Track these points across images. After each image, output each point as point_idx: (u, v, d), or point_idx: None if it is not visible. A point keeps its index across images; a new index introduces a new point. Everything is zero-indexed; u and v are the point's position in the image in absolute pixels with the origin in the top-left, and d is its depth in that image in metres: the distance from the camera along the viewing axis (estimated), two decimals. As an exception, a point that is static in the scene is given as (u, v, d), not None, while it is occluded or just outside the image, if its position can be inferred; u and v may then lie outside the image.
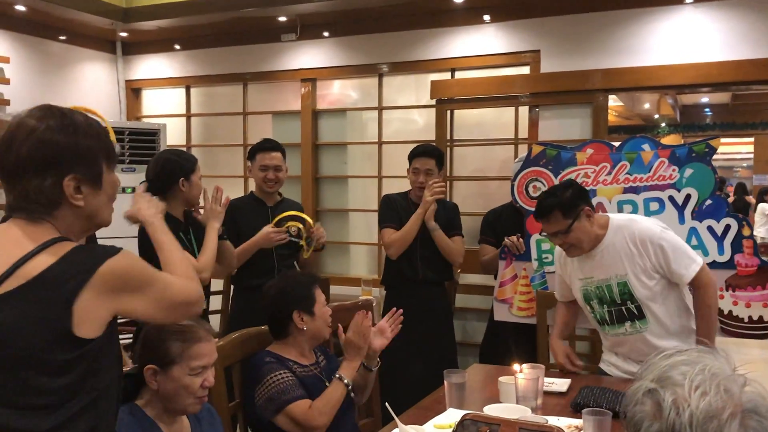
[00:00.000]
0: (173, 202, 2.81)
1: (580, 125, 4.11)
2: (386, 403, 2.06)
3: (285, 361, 2.21)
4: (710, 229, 3.07)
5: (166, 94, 5.54)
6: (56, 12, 4.62)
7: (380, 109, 4.79)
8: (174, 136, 5.18)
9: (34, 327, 1.24)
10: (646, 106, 9.16)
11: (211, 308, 3.43)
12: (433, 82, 4.34)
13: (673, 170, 3.12)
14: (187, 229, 2.86)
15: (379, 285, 3.81)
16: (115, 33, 5.18)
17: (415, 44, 4.53)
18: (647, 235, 2.50)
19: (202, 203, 2.92)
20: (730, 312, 3.02)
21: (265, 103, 5.23)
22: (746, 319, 3.00)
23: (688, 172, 3.10)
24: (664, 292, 2.53)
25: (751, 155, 9.74)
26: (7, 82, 4.55)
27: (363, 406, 2.56)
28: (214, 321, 3.82)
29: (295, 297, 2.25)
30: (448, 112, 4.43)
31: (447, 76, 4.54)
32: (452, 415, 2.01)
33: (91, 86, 5.27)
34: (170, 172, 2.79)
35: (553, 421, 1.90)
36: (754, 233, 3.39)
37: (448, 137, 4.47)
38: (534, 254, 3.31)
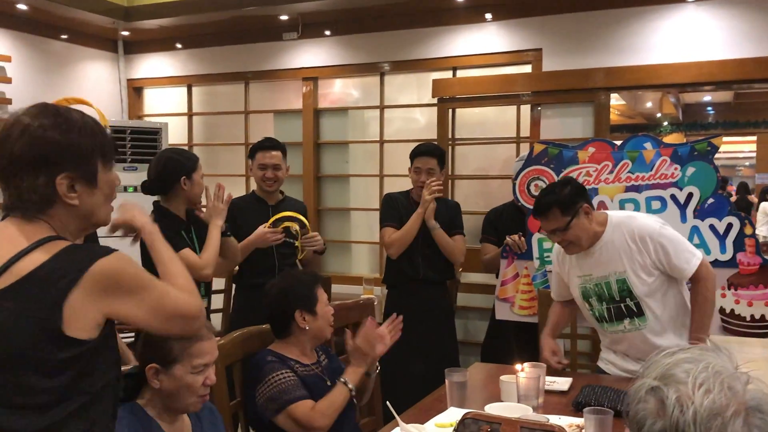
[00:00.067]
0: (175, 201, 2.82)
1: (582, 124, 4.11)
2: (387, 402, 2.05)
3: (287, 361, 2.20)
4: (712, 227, 3.07)
5: (167, 92, 5.54)
6: (58, 11, 4.62)
7: (382, 107, 4.79)
8: (175, 135, 5.18)
9: (25, 325, 1.24)
10: (649, 104, 9.16)
11: (212, 307, 3.43)
12: (434, 81, 4.34)
13: (675, 169, 3.11)
14: (189, 228, 2.87)
15: (380, 284, 3.81)
16: (116, 32, 5.18)
17: (416, 43, 4.53)
18: (647, 231, 2.50)
19: (204, 202, 2.92)
20: (732, 311, 3.02)
21: (267, 102, 5.22)
22: (748, 318, 3.00)
23: (690, 170, 3.10)
24: (662, 288, 2.53)
25: (754, 154, 9.75)
26: (8, 81, 4.55)
27: (364, 406, 2.56)
28: (216, 319, 3.82)
29: (297, 296, 2.25)
30: (450, 110, 4.43)
31: (449, 74, 4.53)
32: (453, 414, 2.01)
33: (93, 85, 5.27)
34: (172, 170, 2.78)
35: (554, 420, 1.90)
36: (756, 232, 3.39)
37: (450, 136, 4.47)
38: (536, 253, 3.31)
